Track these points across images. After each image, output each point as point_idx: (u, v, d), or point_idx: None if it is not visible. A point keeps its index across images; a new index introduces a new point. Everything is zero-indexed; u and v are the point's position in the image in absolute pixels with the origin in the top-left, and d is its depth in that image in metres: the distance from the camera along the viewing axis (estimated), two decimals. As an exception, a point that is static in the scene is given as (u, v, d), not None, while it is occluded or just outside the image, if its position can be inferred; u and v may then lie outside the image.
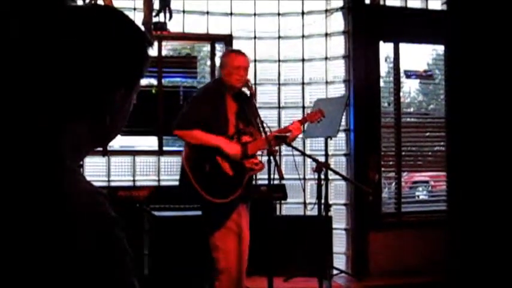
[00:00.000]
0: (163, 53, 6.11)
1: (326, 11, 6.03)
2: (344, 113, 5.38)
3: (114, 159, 5.73)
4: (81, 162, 4.86)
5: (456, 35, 6.03)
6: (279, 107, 6.08)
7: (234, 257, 3.93)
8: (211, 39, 6.05)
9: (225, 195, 3.90)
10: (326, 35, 6.03)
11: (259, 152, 4.22)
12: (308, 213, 5.54)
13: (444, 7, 6.24)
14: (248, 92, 4.04)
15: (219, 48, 6.03)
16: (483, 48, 5.92)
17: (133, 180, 5.75)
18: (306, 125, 5.45)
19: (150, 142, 6.12)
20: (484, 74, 5.92)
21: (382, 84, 6.09)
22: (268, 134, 3.90)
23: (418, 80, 6.74)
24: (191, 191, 3.90)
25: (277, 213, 5.89)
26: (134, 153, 5.88)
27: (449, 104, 6.20)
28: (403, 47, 6.11)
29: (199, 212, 4.11)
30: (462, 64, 6.04)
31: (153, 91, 5.84)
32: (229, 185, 3.94)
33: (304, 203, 5.77)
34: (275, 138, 4.02)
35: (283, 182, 5.12)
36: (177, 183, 4.17)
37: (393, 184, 6.21)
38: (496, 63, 5.91)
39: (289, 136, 4.10)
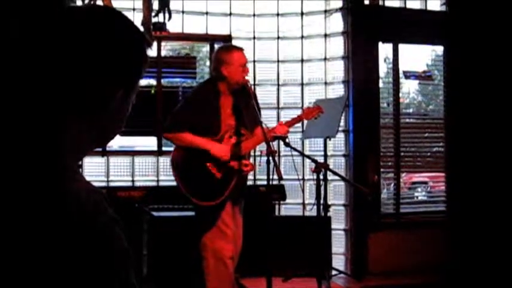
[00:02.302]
0: (163, 53, 6.11)
1: (325, 11, 6.03)
2: (343, 114, 5.38)
3: (113, 160, 5.73)
4: (80, 162, 4.86)
5: (456, 36, 6.03)
6: (278, 108, 6.08)
7: (224, 258, 3.91)
8: (211, 39, 6.05)
9: (212, 197, 3.88)
10: (325, 35, 6.03)
11: (258, 152, 4.21)
12: (307, 213, 5.54)
13: (443, 8, 6.24)
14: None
15: (218, 49, 6.02)
16: (483, 49, 5.92)
17: (132, 181, 5.75)
18: (305, 125, 5.48)
19: (149, 142, 6.11)
20: (484, 75, 5.92)
21: (381, 84, 6.10)
22: (266, 131, 3.88)
23: (417, 81, 6.74)
24: (180, 193, 3.90)
25: (276, 213, 5.88)
26: (133, 153, 5.88)
27: (448, 105, 6.20)
28: (402, 47, 6.11)
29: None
30: (461, 65, 6.04)
31: (152, 91, 5.83)
32: (217, 187, 3.92)
33: (303, 204, 5.77)
34: (273, 138, 4.00)
35: (282, 182, 5.10)
36: (175, 183, 4.17)
37: (392, 185, 6.21)
38: (496, 64, 5.91)
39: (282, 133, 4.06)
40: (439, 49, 6.46)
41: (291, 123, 4.21)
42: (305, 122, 5.49)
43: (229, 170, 3.95)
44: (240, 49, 4.04)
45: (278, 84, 6.11)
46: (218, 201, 3.88)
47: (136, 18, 5.32)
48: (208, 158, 3.92)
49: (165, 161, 5.83)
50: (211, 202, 3.87)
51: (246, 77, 3.99)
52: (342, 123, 5.62)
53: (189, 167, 3.91)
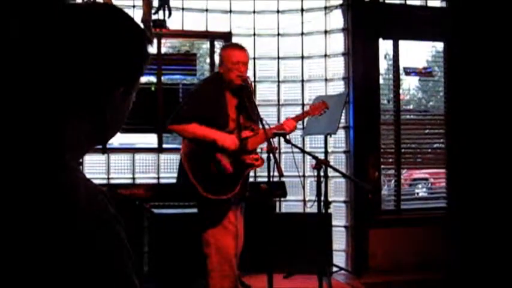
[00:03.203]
0: (163, 50, 6.10)
1: (325, 8, 6.03)
2: (343, 110, 5.38)
3: (113, 157, 5.73)
4: (81, 160, 4.86)
5: (456, 32, 6.02)
6: (279, 105, 6.08)
7: (228, 255, 3.91)
8: (211, 36, 6.04)
9: (223, 191, 3.88)
10: (325, 32, 6.03)
11: (258, 149, 4.21)
12: (308, 210, 5.53)
13: (443, 4, 6.23)
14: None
15: (219, 46, 6.03)
16: (483, 45, 5.91)
17: (133, 178, 5.75)
18: (306, 122, 5.48)
19: (150, 140, 6.11)
20: (484, 71, 5.92)
21: (381, 81, 6.09)
22: (267, 129, 3.86)
23: (417, 77, 6.73)
24: (189, 188, 3.88)
25: (277, 210, 5.89)
26: (134, 150, 5.88)
27: (448, 101, 6.20)
28: (403, 44, 6.11)
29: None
30: (462, 61, 6.04)
31: (153, 88, 5.83)
32: (228, 182, 3.92)
33: (304, 200, 5.77)
34: (274, 134, 3.99)
35: (283, 179, 5.12)
36: (176, 180, 4.16)
37: (393, 181, 6.21)
38: (496, 60, 5.91)
39: (286, 130, 4.05)
40: (439, 45, 6.46)
41: (298, 118, 4.21)
42: (305, 119, 5.49)
43: (240, 164, 3.95)
44: (236, 47, 4.00)
45: (278, 81, 6.11)
46: (230, 195, 3.87)
47: (136, 15, 5.32)
48: (219, 151, 3.90)
49: (165, 159, 5.84)
50: (222, 196, 3.85)
51: (244, 75, 3.95)
52: (343, 119, 5.62)
53: (200, 161, 3.89)
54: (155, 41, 5.72)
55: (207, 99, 3.91)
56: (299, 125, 5.57)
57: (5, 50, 0.94)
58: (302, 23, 6.06)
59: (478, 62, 5.93)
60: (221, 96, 3.95)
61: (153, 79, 5.89)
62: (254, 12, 6.07)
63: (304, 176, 5.82)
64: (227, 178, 3.91)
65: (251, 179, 5.43)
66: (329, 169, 4.67)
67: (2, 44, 0.94)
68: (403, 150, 6.11)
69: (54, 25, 0.97)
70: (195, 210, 4.25)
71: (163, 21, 5.61)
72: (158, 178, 5.81)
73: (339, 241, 5.86)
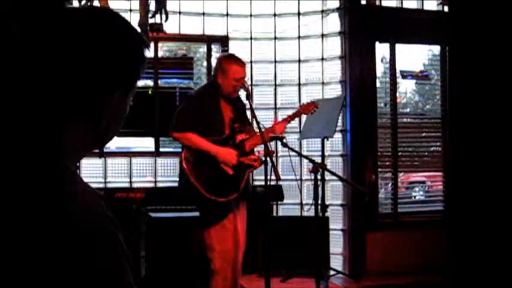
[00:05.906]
0: (160, 54, 6.11)
1: (322, 11, 6.04)
2: (340, 114, 5.38)
3: (110, 161, 5.73)
4: (78, 164, 4.85)
5: (453, 35, 6.03)
6: (275, 108, 6.08)
7: (230, 258, 3.93)
8: (208, 40, 6.05)
9: (226, 193, 3.91)
10: (322, 35, 6.03)
11: (256, 153, 4.22)
12: (305, 214, 5.54)
13: (440, 7, 6.25)
14: (245, 93, 4.05)
15: (215, 49, 6.04)
16: (480, 48, 5.92)
17: (130, 182, 5.74)
18: (302, 126, 5.49)
19: (147, 143, 6.11)
20: (481, 74, 5.92)
21: (378, 84, 6.10)
22: (263, 132, 3.90)
23: (414, 81, 6.75)
24: (192, 191, 3.90)
25: (274, 214, 5.89)
26: (131, 154, 5.87)
27: (445, 104, 6.21)
28: (399, 47, 6.11)
29: (196, 213, 4.12)
30: (458, 64, 6.05)
31: (149, 92, 5.83)
32: (230, 184, 3.97)
33: (301, 204, 5.77)
34: (271, 138, 4.03)
35: (280, 183, 5.12)
36: (173, 184, 4.18)
37: (390, 184, 6.21)
38: (494, 64, 5.91)
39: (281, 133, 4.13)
40: (436, 48, 6.48)
41: (287, 120, 4.27)
42: (302, 122, 5.50)
43: (240, 166, 3.99)
44: (241, 63, 4.06)
45: (275, 85, 6.11)
46: (233, 197, 3.92)
47: (133, 19, 5.32)
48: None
49: (162, 162, 5.83)
50: (225, 198, 3.90)
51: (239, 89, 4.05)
52: (340, 123, 5.62)
53: (201, 164, 3.94)
54: (152, 44, 5.72)
55: (203, 107, 3.99)
56: (296, 129, 5.61)
57: (4, 51, 0.94)
58: (299, 26, 6.07)
59: (475, 65, 5.93)
60: (216, 103, 4.04)
61: (150, 83, 5.89)
62: (251, 15, 6.07)
63: (301, 179, 5.82)
64: (228, 181, 3.96)
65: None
66: (326, 172, 4.66)
67: (2, 45, 0.94)
68: (400, 153, 6.12)
69: (53, 28, 0.97)
70: (192, 213, 4.25)
71: (160, 24, 5.61)
72: (155, 182, 5.80)
73: (336, 244, 5.85)
